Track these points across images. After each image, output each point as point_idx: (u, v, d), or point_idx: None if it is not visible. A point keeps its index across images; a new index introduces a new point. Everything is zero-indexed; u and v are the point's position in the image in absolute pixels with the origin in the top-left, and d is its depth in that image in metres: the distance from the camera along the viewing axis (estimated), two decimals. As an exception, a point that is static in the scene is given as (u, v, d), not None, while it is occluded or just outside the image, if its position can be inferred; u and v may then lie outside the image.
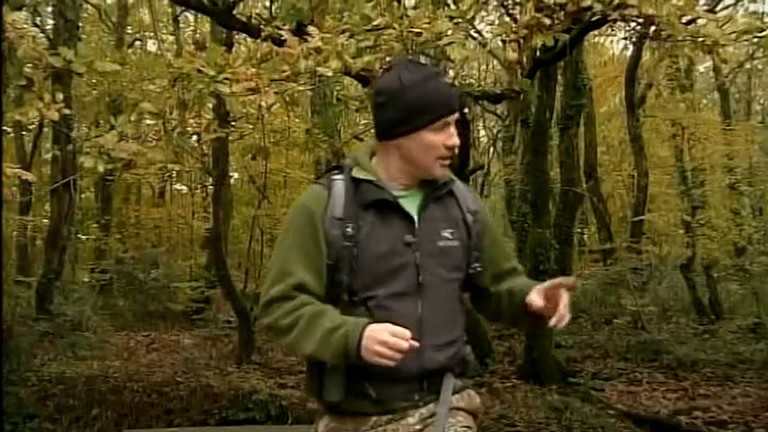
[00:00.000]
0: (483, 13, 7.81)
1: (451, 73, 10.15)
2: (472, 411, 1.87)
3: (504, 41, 3.81)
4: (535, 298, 1.73)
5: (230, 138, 9.37)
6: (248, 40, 7.14)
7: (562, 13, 3.52)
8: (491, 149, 16.02)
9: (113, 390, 6.89)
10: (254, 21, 5.72)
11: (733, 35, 3.60)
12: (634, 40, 10.44)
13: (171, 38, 13.31)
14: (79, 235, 14.16)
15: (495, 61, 12.01)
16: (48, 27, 11.23)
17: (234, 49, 7.79)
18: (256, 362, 8.52)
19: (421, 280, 1.75)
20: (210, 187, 12.12)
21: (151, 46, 14.74)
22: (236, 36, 8.65)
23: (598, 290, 11.57)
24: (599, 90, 13.76)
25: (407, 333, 1.60)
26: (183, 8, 11.15)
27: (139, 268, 12.90)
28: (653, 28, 3.59)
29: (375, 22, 3.56)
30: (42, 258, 11.09)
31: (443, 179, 1.83)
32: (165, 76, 5.21)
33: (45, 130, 12.18)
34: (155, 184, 16.11)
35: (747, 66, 14.30)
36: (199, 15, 11.92)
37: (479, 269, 1.86)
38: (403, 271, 1.74)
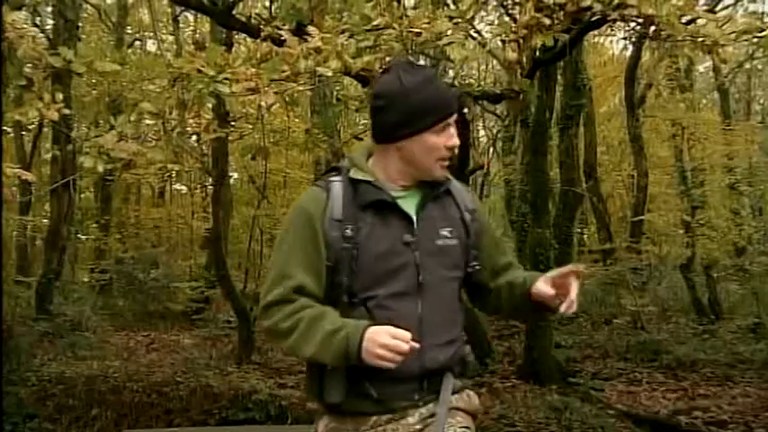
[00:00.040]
0: (482, 13, 7.82)
1: (451, 73, 10.16)
2: (471, 412, 1.87)
3: (503, 41, 3.81)
4: (543, 286, 1.75)
5: (230, 138, 9.37)
6: (248, 40, 7.14)
7: (562, 13, 3.52)
8: (491, 149, 16.02)
9: (113, 390, 6.89)
10: (253, 21, 5.72)
11: (733, 35, 3.60)
12: (634, 40, 10.45)
13: (171, 38, 13.31)
14: (79, 235, 14.16)
15: (495, 61, 12.01)
16: (47, 27, 11.23)
17: (234, 49, 7.79)
18: (256, 362, 8.52)
19: (421, 279, 1.75)
20: (210, 187, 12.11)
21: (151, 46, 14.75)
22: (236, 36, 8.66)
23: (598, 290, 11.56)
24: (599, 90, 13.77)
25: (408, 335, 1.60)
26: (183, 8, 11.15)
27: (139, 268, 12.91)
28: (653, 28, 3.59)
29: (375, 22, 3.56)
30: (42, 258, 11.09)
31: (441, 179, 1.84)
32: (164, 76, 5.21)
33: (45, 129, 12.18)
34: (154, 184, 16.11)
35: (747, 66, 14.30)
36: (198, 15, 11.93)
37: (478, 268, 1.87)
38: (403, 271, 1.74)
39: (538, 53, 5.47)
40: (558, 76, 8.77)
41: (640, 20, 3.58)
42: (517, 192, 11.57)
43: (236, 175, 14.07)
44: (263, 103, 3.48)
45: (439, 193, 1.83)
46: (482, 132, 16.10)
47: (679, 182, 12.28)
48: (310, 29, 3.57)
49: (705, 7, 7.36)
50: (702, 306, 10.92)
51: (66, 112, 3.88)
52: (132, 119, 3.76)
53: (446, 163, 1.81)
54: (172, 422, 6.45)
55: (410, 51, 3.88)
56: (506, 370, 7.97)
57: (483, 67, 14.36)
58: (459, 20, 3.62)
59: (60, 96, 3.68)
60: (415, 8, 4.36)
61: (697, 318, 10.59)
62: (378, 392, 1.72)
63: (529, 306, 1.82)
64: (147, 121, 4.50)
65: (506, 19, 6.11)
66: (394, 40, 3.57)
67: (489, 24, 8.90)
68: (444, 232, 1.81)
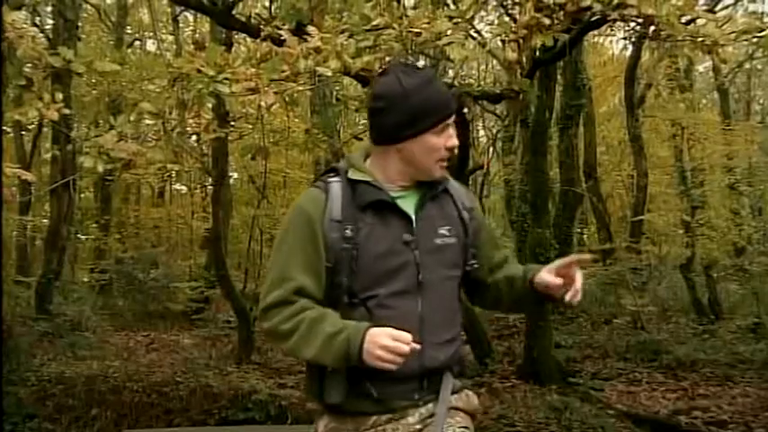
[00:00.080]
0: (482, 13, 7.80)
1: (451, 73, 10.15)
2: (470, 412, 1.88)
3: (503, 41, 3.81)
4: (548, 277, 1.77)
5: (230, 138, 9.37)
6: (248, 39, 7.15)
7: (562, 12, 3.52)
8: (491, 149, 16.01)
9: (113, 390, 6.88)
10: (253, 21, 5.72)
11: (732, 35, 3.60)
12: (633, 39, 10.44)
13: (170, 38, 13.31)
14: (79, 235, 14.16)
15: (495, 61, 12.01)
16: (47, 27, 11.23)
17: (233, 49, 7.79)
18: (256, 362, 8.52)
19: (421, 278, 1.76)
20: (210, 187, 12.12)
21: (150, 46, 14.77)
22: (236, 36, 8.66)
23: (598, 290, 11.56)
24: (598, 90, 13.77)
25: (408, 337, 1.61)
26: (183, 8, 11.15)
27: (139, 268, 12.91)
28: (652, 28, 3.59)
29: (374, 22, 3.56)
30: (42, 258, 11.09)
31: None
32: (164, 76, 5.21)
33: (44, 129, 12.19)
34: (154, 184, 16.11)
35: (747, 66, 14.30)
36: (198, 15, 11.93)
37: (476, 266, 1.89)
38: (403, 270, 1.75)
39: (538, 53, 5.47)
40: (558, 76, 8.76)
41: (640, 20, 3.57)
42: (517, 192, 11.57)
43: (235, 175, 14.08)
44: (262, 103, 3.47)
45: (437, 193, 1.85)
46: (482, 132, 16.09)
47: (679, 182, 12.28)
48: (310, 29, 3.56)
49: (705, 7, 7.36)
50: (702, 306, 10.92)
51: (66, 111, 3.88)
52: (132, 119, 3.76)
53: (445, 163, 1.83)
54: (172, 422, 6.45)
55: (410, 51, 3.88)
56: (506, 370, 7.97)
57: (483, 66, 14.36)
58: (459, 20, 3.62)
59: (60, 96, 3.68)
60: (414, 8, 4.36)
61: (697, 318, 10.58)
62: (378, 392, 1.73)
63: (531, 297, 1.84)
64: (147, 121, 4.50)
65: (506, 19, 6.11)
66: (394, 40, 3.57)
67: (489, 24, 8.89)
68: (443, 231, 1.82)
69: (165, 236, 15.92)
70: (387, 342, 1.60)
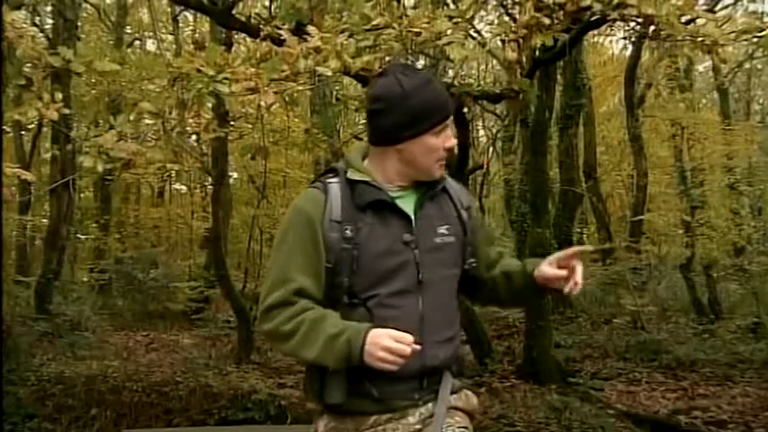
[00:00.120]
0: (482, 13, 7.81)
1: (451, 73, 10.16)
2: (469, 412, 1.89)
3: (503, 41, 3.80)
4: (548, 268, 1.79)
5: (230, 137, 9.37)
6: (247, 39, 7.14)
7: (561, 12, 3.52)
8: (490, 149, 16.00)
9: (112, 389, 6.88)
10: (253, 20, 5.72)
11: (732, 35, 3.59)
12: (633, 39, 10.44)
13: (170, 37, 13.31)
14: (78, 235, 14.16)
15: (495, 61, 12.00)
16: (47, 26, 11.24)
17: (233, 49, 7.79)
18: (255, 362, 8.52)
19: (421, 277, 1.77)
20: (210, 187, 12.12)
21: (150, 45, 14.77)
22: (236, 36, 8.65)
23: (597, 290, 11.56)
24: (598, 90, 13.78)
25: (410, 338, 1.62)
26: (183, 8, 11.14)
27: (138, 268, 12.91)
28: (652, 28, 3.59)
29: (374, 22, 3.56)
30: (41, 258, 11.09)
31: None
32: (164, 76, 5.21)
33: (44, 129, 12.18)
34: (154, 184, 16.11)
35: (747, 65, 14.30)
36: (198, 15, 11.93)
37: (475, 264, 1.90)
38: (403, 269, 1.75)
39: (537, 53, 5.48)
40: (558, 76, 8.77)
41: (640, 19, 3.57)
42: (517, 192, 11.57)
43: (235, 175, 14.08)
44: (262, 103, 3.47)
45: (435, 192, 1.85)
46: (482, 132, 16.09)
47: (679, 182, 12.28)
48: (310, 28, 3.56)
49: (705, 7, 7.36)
50: (702, 306, 10.92)
51: (66, 111, 3.88)
52: (132, 118, 3.76)
53: (444, 163, 1.84)
54: (171, 422, 6.45)
55: (410, 51, 3.88)
56: (506, 370, 7.97)
57: (483, 66, 14.36)
58: (459, 19, 3.62)
59: (60, 96, 3.67)
60: (414, 8, 4.36)
61: (697, 317, 10.58)
62: (378, 392, 1.73)
63: (531, 290, 1.87)
64: (147, 121, 4.50)
65: (506, 19, 6.11)
66: (393, 40, 3.56)
67: (489, 24, 8.90)
68: (442, 230, 1.83)
69: (164, 236, 15.92)
70: (388, 343, 1.60)
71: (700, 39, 3.43)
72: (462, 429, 1.80)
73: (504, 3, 6.43)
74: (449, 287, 1.84)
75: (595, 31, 9.61)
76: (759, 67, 15.34)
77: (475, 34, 7.85)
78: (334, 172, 1.84)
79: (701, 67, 15.43)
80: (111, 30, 13.67)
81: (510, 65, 5.99)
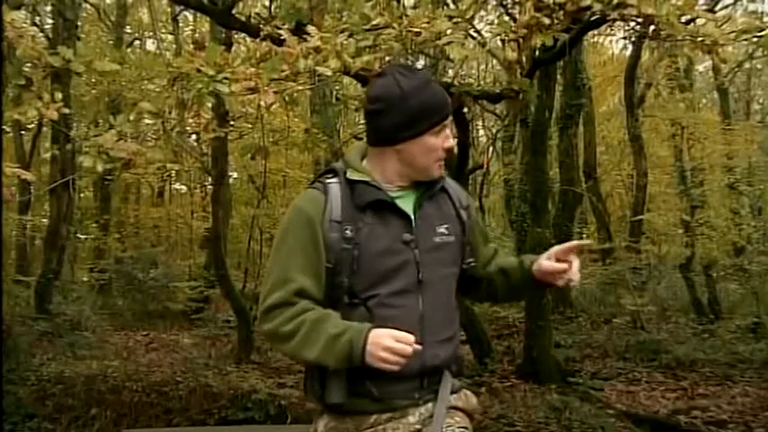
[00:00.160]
0: (482, 13, 7.81)
1: (451, 72, 10.15)
2: (469, 412, 1.89)
3: (503, 41, 3.81)
4: (546, 263, 1.81)
5: (229, 137, 9.37)
6: (247, 39, 7.13)
7: (561, 12, 3.52)
8: (490, 149, 16.00)
9: (112, 389, 6.88)
10: (253, 20, 5.72)
11: (732, 35, 3.60)
12: (633, 39, 10.44)
13: (170, 37, 13.31)
14: (78, 234, 14.16)
15: (495, 61, 12.00)
16: (47, 26, 11.24)
17: (233, 49, 7.78)
18: (255, 361, 8.51)
19: (421, 277, 1.77)
20: (210, 187, 12.12)
21: (150, 45, 14.78)
22: (236, 36, 8.65)
23: (597, 289, 11.57)
24: (598, 90, 13.78)
25: (411, 338, 1.62)
26: (183, 8, 11.14)
27: (138, 268, 12.90)
28: (652, 27, 3.59)
29: (374, 22, 3.56)
30: (41, 258, 11.09)
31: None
32: (164, 76, 5.21)
33: (44, 129, 12.18)
34: (154, 184, 16.11)
35: (747, 65, 14.31)
36: (198, 15, 11.92)
37: (473, 264, 1.91)
38: (403, 269, 1.76)
39: (537, 53, 5.48)
40: (558, 76, 8.76)
41: (640, 19, 3.57)
42: (517, 191, 11.57)
43: (235, 175, 14.08)
44: (262, 103, 3.47)
45: (434, 192, 1.86)
46: (481, 132, 16.09)
47: (678, 181, 12.28)
48: (310, 28, 3.56)
49: (705, 7, 7.35)
50: (702, 306, 10.92)
51: (66, 111, 3.88)
52: (132, 118, 3.76)
53: (443, 163, 1.85)
54: (171, 422, 6.44)
55: (410, 51, 3.88)
56: (506, 369, 7.97)
57: (483, 66, 14.36)
58: (459, 19, 3.62)
59: (59, 96, 3.68)
60: (414, 7, 4.37)
61: (696, 317, 10.58)
62: (379, 391, 1.73)
63: (529, 285, 1.89)
64: (147, 121, 4.50)
65: (506, 18, 6.11)
66: (393, 40, 3.56)
67: (489, 24, 8.90)
68: (442, 230, 1.84)
69: (164, 235, 15.92)
70: (390, 343, 1.61)
71: (700, 39, 3.44)
72: (462, 429, 1.80)
73: (504, 3, 6.43)
74: (448, 286, 1.85)
75: (595, 31, 9.61)
76: (759, 66, 15.35)
77: (475, 34, 7.85)
78: (333, 172, 1.84)
79: (700, 67, 15.44)
80: (111, 30, 13.67)
81: (510, 65, 5.99)
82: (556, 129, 9.96)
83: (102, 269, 12.96)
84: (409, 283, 1.76)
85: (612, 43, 15.08)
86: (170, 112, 3.92)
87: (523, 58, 5.16)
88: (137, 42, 15.12)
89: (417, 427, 1.77)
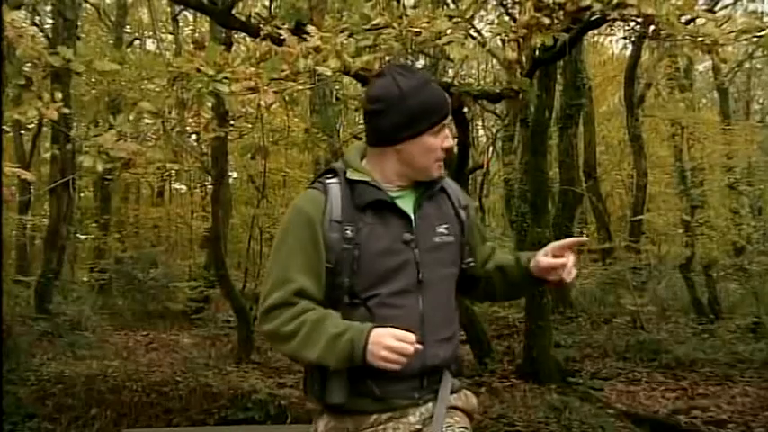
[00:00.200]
0: (482, 13, 7.81)
1: (451, 72, 10.16)
2: (469, 411, 1.89)
3: (503, 41, 3.81)
4: (543, 259, 1.82)
5: (229, 137, 9.37)
6: (247, 39, 7.12)
7: (561, 12, 3.52)
8: (490, 149, 16.01)
9: (112, 389, 6.88)
10: (253, 20, 5.71)
11: (732, 35, 3.59)
12: (633, 39, 10.44)
13: (170, 37, 13.32)
14: (78, 234, 14.16)
15: (495, 60, 12.00)
16: (47, 26, 11.24)
17: (233, 49, 7.78)
18: (255, 361, 8.51)
19: (421, 277, 1.77)
20: (210, 187, 12.12)
21: (150, 45, 14.78)
22: (236, 35, 8.65)
23: (597, 289, 11.58)
24: (598, 89, 13.78)
25: (412, 337, 1.62)
26: (182, 7, 11.14)
27: (138, 268, 12.90)
28: (652, 27, 3.59)
29: (374, 22, 3.56)
30: (41, 258, 11.10)
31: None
32: (164, 76, 5.21)
33: (44, 129, 12.18)
34: (154, 184, 16.11)
35: (746, 65, 14.31)
36: (198, 15, 11.92)
37: (472, 264, 1.91)
38: (403, 269, 1.76)
39: (537, 52, 5.47)
40: (558, 76, 8.76)
41: (640, 19, 3.57)
42: (516, 191, 11.57)
43: (235, 175, 14.08)
44: (262, 103, 3.47)
45: (434, 192, 1.86)
46: (481, 132, 16.09)
47: (678, 181, 12.28)
48: (310, 28, 3.56)
49: (704, 7, 7.36)
50: (702, 305, 10.92)
51: (66, 111, 3.88)
52: (131, 118, 3.76)
53: (442, 163, 1.85)
54: (171, 422, 6.44)
55: (410, 51, 3.88)
56: (506, 369, 7.97)
57: (482, 66, 14.37)
58: (459, 19, 3.62)
59: (59, 96, 3.67)
60: (414, 7, 4.36)
61: (696, 317, 10.58)
62: (380, 390, 1.73)
63: (526, 282, 1.90)
64: (147, 121, 4.50)
65: (506, 18, 6.11)
66: (393, 40, 3.56)
67: (489, 24, 8.90)
68: (441, 230, 1.84)
69: (164, 235, 15.93)
70: (391, 342, 1.61)
71: (699, 38, 3.44)
72: (462, 429, 1.81)
73: (504, 2, 6.43)
74: (447, 286, 1.85)
75: (595, 31, 9.61)
76: (759, 66, 15.35)
77: (475, 34, 7.84)
78: (333, 172, 1.84)
79: (700, 67, 15.45)
80: (111, 29, 13.67)
81: (510, 65, 5.98)
82: (556, 129, 9.95)
83: (102, 269, 12.96)
84: (409, 283, 1.76)
85: (612, 43, 15.10)
86: (170, 112, 3.92)
87: (523, 58, 5.16)
88: (137, 42, 15.13)
89: (417, 426, 1.77)
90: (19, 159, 11.82)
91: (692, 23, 3.78)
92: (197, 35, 12.66)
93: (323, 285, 1.75)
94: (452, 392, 1.82)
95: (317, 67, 3.44)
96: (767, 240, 13.40)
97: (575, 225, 10.83)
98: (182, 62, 3.63)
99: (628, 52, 12.23)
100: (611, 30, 9.41)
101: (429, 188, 1.85)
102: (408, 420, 1.77)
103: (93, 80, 9.90)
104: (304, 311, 1.70)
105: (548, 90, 8.21)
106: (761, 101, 19.12)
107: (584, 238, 1.92)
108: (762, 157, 13.59)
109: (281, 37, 3.60)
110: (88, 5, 12.63)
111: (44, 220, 12.58)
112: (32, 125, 11.73)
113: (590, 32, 8.13)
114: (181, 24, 13.56)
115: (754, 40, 3.78)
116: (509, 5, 6.46)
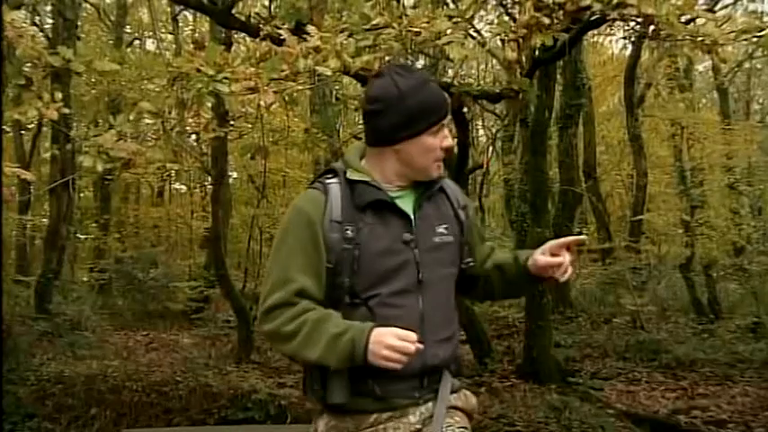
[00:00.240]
0: (482, 13, 7.80)
1: (450, 72, 10.16)
2: (468, 411, 1.89)
3: (503, 41, 3.81)
4: (541, 257, 1.82)
5: (229, 137, 9.37)
6: (247, 39, 7.12)
7: (561, 12, 3.52)
8: (490, 149, 16.01)
9: (112, 389, 6.88)
10: (252, 20, 5.71)
11: (732, 34, 3.59)
12: (633, 39, 10.44)
13: (170, 37, 13.32)
14: (78, 234, 14.16)
15: (495, 60, 12.00)
16: (47, 26, 11.24)
17: (233, 49, 7.78)
18: (255, 361, 8.52)
19: (421, 277, 1.78)
20: (209, 187, 12.12)
21: (150, 45, 14.78)
22: (235, 35, 8.65)
23: (597, 289, 11.58)
24: (598, 89, 13.78)
25: (413, 336, 1.62)
26: (182, 7, 11.14)
27: (138, 268, 12.90)
28: (652, 27, 3.58)
29: (374, 22, 3.56)
30: (41, 258, 11.10)
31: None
32: (164, 76, 5.20)
33: (44, 129, 12.18)
34: (154, 184, 16.12)
35: (746, 65, 14.31)
36: (198, 15, 11.92)
37: (472, 264, 1.91)
38: (403, 269, 1.76)
39: (537, 52, 5.47)
40: (558, 76, 8.75)
41: (640, 19, 3.57)
42: (516, 191, 11.56)
43: (235, 175, 14.08)
44: (262, 103, 3.47)
45: (433, 192, 1.87)
46: (481, 132, 16.08)
47: (678, 181, 12.28)
48: (309, 28, 3.56)
49: (704, 7, 7.35)
50: (702, 305, 10.92)
51: (66, 111, 3.88)
52: (131, 118, 3.76)
53: (441, 163, 1.85)
54: (171, 421, 6.44)
55: (409, 51, 3.88)
56: (506, 369, 7.97)
57: (482, 66, 14.36)
58: (459, 19, 3.62)
59: (59, 95, 3.67)
60: (414, 7, 4.37)
61: (696, 317, 10.58)
62: (381, 390, 1.73)
63: (524, 280, 1.90)
64: (147, 121, 4.50)
65: (506, 18, 6.11)
66: (393, 40, 3.56)
67: (489, 24, 8.90)
68: (441, 230, 1.84)
69: (164, 235, 15.93)
70: (392, 342, 1.61)
71: (699, 38, 3.44)
72: (462, 429, 1.81)
73: (504, 2, 6.43)
74: (447, 286, 1.86)
75: (595, 31, 9.60)
76: (759, 66, 15.36)
77: (475, 34, 7.85)
78: (333, 172, 1.84)
79: (700, 67, 15.45)
80: (111, 29, 13.67)
81: (510, 64, 5.99)
82: (556, 129, 9.95)
83: (102, 269, 12.96)
84: (409, 282, 1.76)
85: (612, 43, 15.10)
86: (170, 112, 3.92)
87: (523, 58, 5.15)
88: (137, 42, 15.13)
89: (417, 426, 1.77)
90: (19, 159, 11.82)
91: (691, 23, 3.78)
92: (197, 35, 12.66)
93: (323, 285, 1.75)
94: (452, 392, 1.82)
95: (316, 67, 3.44)
96: (767, 240, 13.39)
97: (575, 225, 10.81)
98: (182, 62, 3.63)
99: (628, 52, 12.24)
100: (611, 30, 9.41)
101: (428, 188, 1.85)
102: (408, 420, 1.77)
103: (93, 80, 9.90)
104: (304, 311, 1.70)
105: (547, 90, 8.21)
106: (761, 101, 19.12)
107: (583, 237, 1.91)
108: (762, 157, 13.59)
109: (281, 37, 3.60)
110: (88, 5, 12.63)
111: (44, 220, 12.58)
112: (32, 125, 11.73)
113: (590, 32, 8.13)
114: (181, 24, 13.57)
115: (754, 40, 3.78)
116: (509, 5, 6.46)
